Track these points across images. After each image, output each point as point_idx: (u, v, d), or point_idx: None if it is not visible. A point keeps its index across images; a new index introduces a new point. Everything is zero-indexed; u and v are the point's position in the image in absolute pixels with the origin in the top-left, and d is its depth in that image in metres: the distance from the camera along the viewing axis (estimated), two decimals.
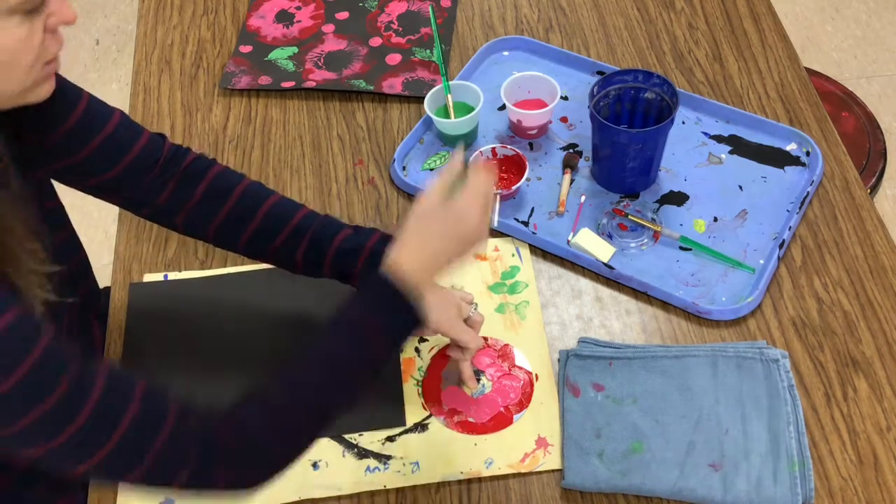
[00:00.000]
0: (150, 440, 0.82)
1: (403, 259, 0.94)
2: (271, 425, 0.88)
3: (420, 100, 1.45)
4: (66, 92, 1.00)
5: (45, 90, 0.90)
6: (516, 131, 1.41)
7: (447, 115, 1.40)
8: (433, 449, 1.10)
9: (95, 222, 2.32)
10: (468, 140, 1.40)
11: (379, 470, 1.08)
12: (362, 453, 1.10)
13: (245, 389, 0.90)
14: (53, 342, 0.78)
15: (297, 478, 1.08)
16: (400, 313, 0.93)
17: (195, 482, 0.85)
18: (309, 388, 0.90)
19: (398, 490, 1.07)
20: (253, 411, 0.88)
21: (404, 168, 1.38)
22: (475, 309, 1.11)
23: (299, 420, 0.90)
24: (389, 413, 1.13)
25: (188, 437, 0.84)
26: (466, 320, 1.09)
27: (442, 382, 1.15)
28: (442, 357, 1.17)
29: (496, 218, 1.26)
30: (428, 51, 1.54)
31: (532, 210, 1.32)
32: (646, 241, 1.27)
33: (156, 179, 1.09)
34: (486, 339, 1.19)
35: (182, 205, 1.10)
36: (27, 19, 0.81)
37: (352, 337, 0.92)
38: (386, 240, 1.07)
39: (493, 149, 1.34)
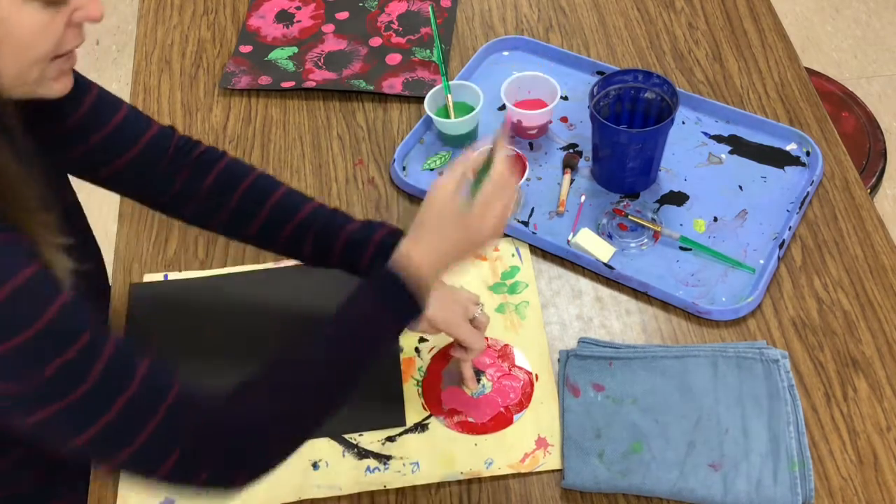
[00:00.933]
0: (144, 420, 0.81)
1: (414, 255, 0.94)
2: (270, 420, 0.87)
3: (420, 100, 1.45)
4: (76, 82, 1.00)
5: (61, 86, 0.89)
6: (516, 131, 1.41)
7: (447, 115, 1.40)
8: (433, 449, 1.10)
9: (95, 222, 2.31)
10: (468, 140, 1.40)
11: (379, 470, 1.08)
12: (362, 453, 1.10)
13: (244, 378, 0.89)
14: (71, 300, 0.78)
15: (297, 478, 1.08)
16: (406, 309, 0.94)
17: (178, 473, 0.83)
18: (311, 381, 0.90)
19: (398, 490, 1.07)
20: (253, 404, 0.87)
21: (404, 168, 1.38)
22: (481, 310, 1.11)
23: (299, 413, 0.90)
24: (389, 413, 1.13)
25: (182, 423, 0.83)
26: (472, 321, 1.09)
27: (442, 382, 1.15)
28: (442, 357, 1.17)
29: (519, 211, 1.23)
30: (428, 51, 1.54)
31: (532, 210, 1.32)
32: (646, 241, 1.27)
33: (166, 170, 1.09)
34: (486, 339, 1.19)
35: (191, 195, 1.10)
36: (48, 8, 0.80)
37: (357, 331, 0.93)
38: (395, 234, 1.07)
39: None
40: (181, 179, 1.09)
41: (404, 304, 0.93)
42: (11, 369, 0.75)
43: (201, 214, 1.12)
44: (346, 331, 0.93)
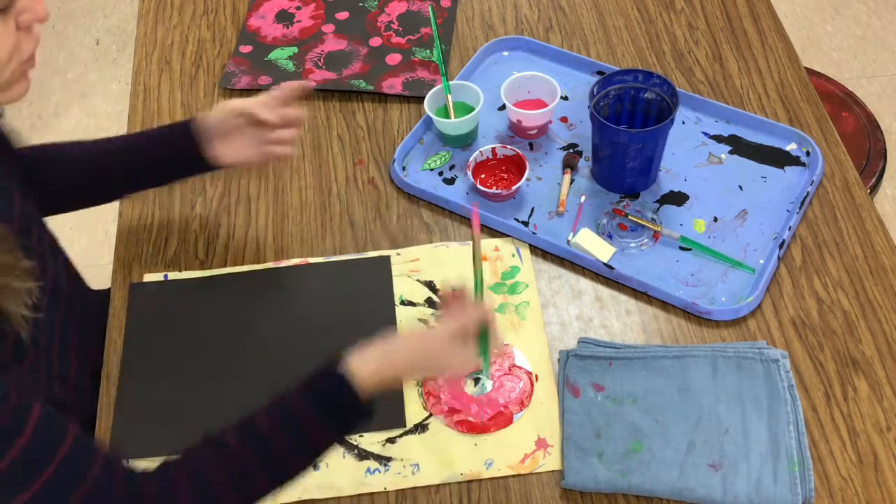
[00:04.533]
0: (75, 488, 0.82)
1: (364, 372, 0.93)
2: (199, 499, 0.88)
3: (420, 100, 1.45)
4: None
5: (20, 89, 0.90)
6: (516, 131, 1.41)
7: (447, 115, 1.40)
8: (433, 450, 1.10)
9: (95, 222, 2.32)
10: (468, 140, 1.40)
11: (379, 472, 1.08)
12: (363, 454, 1.10)
13: (177, 456, 0.90)
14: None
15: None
16: (349, 416, 0.94)
17: None
18: (241, 471, 0.91)
19: (398, 492, 1.07)
20: (183, 483, 0.88)
21: (404, 168, 1.38)
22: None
23: (226, 498, 0.90)
24: (389, 414, 1.13)
25: (112, 493, 0.85)
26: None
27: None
28: None
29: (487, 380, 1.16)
30: (428, 51, 1.54)
31: (532, 210, 1.32)
32: (646, 241, 1.27)
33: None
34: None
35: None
36: None
37: (295, 434, 0.92)
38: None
39: (493, 149, 1.34)
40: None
41: (348, 409, 0.94)
42: None
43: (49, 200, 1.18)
44: (284, 429, 0.92)
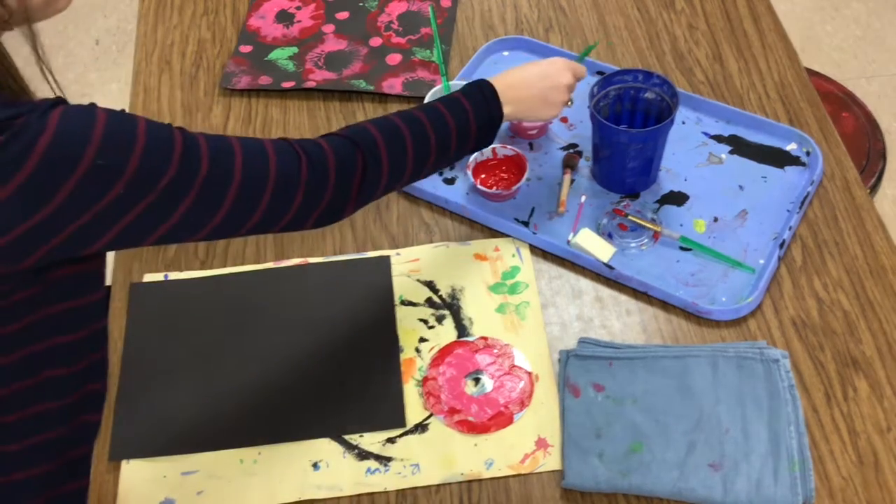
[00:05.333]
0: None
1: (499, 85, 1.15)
2: (372, 161, 1.02)
3: (420, 100, 1.45)
4: None
5: (61, 4, 0.92)
6: (516, 131, 1.41)
7: None
8: (434, 450, 1.10)
9: None
10: None
11: (380, 472, 1.08)
12: (363, 454, 1.10)
13: (341, 132, 1.03)
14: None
15: (297, 478, 1.08)
16: (489, 104, 1.14)
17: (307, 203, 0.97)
18: (420, 135, 1.07)
19: (398, 492, 1.07)
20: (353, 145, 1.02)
21: None
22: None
23: (409, 158, 1.06)
24: (390, 414, 1.13)
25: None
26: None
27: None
28: (442, 357, 1.18)
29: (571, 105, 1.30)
30: (428, 51, 1.54)
31: (532, 210, 1.32)
32: (646, 241, 1.27)
33: None
34: (486, 338, 1.19)
35: None
36: None
37: (446, 110, 1.10)
38: None
39: (493, 149, 1.34)
40: None
41: (490, 99, 1.14)
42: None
43: None
44: (438, 109, 1.10)
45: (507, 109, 1.16)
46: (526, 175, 1.31)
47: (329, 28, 1.60)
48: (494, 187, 1.33)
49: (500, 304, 1.22)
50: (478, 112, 1.12)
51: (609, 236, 1.28)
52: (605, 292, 1.24)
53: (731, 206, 1.31)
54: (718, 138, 1.39)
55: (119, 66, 2.76)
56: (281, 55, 1.55)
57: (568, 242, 1.27)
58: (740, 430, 1.07)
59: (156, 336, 1.21)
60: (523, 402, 1.13)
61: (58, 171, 0.79)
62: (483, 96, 1.13)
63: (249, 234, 0.96)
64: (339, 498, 1.07)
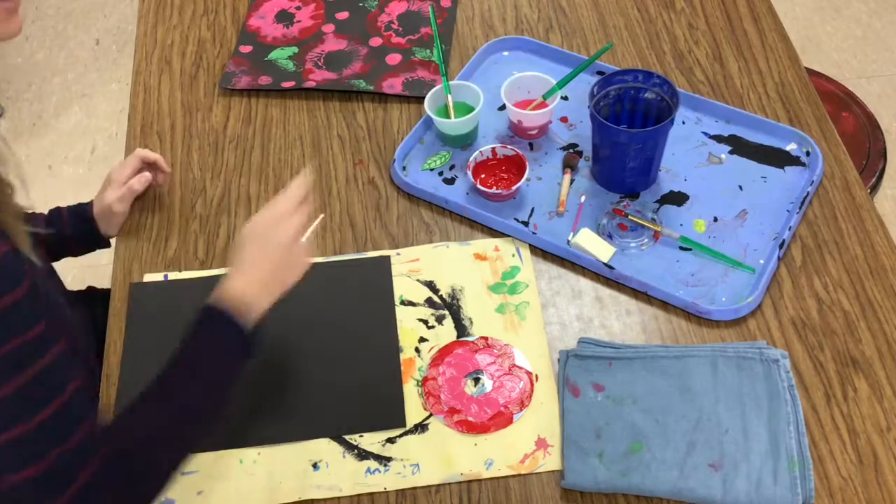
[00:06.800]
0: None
1: (233, 285, 1.00)
2: (131, 469, 0.89)
3: (420, 100, 1.45)
4: None
5: (11, 28, 0.91)
6: (516, 131, 1.41)
7: (447, 115, 1.40)
8: (433, 450, 1.10)
9: None
10: (468, 140, 1.40)
11: (379, 472, 1.08)
12: (363, 454, 1.10)
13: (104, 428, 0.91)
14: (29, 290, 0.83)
15: (297, 478, 1.08)
16: (235, 342, 0.99)
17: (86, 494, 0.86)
18: (162, 433, 0.93)
19: (398, 491, 1.07)
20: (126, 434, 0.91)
21: (404, 168, 1.38)
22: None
23: (159, 459, 0.92)
24: (390, 414, 1.13)
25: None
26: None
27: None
28: (442, 357, 1.18)
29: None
30: (428, 51, 1.54)
31: (532, 210, 1.32)
32: (646, 241, 1.27)
33: None
34: (486, 339, 1.19)
35: None
36: None
37: (194, 377, 0.97)
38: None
39: (493, 149, 1.34)
40: None
41: (232, 335, 0.98)
42: None
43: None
44: (187, 378, 0.97)
45: (257, 307, 1.01)
46: (526, 175, 1.31)
47: (329, 28, 1.60)
48: (494, 187, 1.33)
49: (500, 304, 1.22)
50: (228, 348, 0.99)
51: (609, 236, 1.28)
52: (605, 292, 1.24)
53: (731, 206, 1.31)
54: (718, 138, 1.39)
55: (119, 66, 2.76)
56: (281, 55, 1.55)
57: (568, 242, 1.27)
58: (740, 430, 1.07)
59: (156, 336, 1.21)
60: (523, 402, 1.13)
61: None
62: (220, 331, 0.99)
63: None
64: (339, 498, 1.07)
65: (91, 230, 1.31)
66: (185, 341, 0.98)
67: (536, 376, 1.15)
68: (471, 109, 1.39)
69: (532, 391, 1.14)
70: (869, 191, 1.66)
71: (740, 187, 1.33)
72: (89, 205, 1.32)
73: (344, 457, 1.10)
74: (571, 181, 1.34)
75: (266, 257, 1.02)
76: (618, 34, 1.55)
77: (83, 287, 1.47)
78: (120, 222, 1.32)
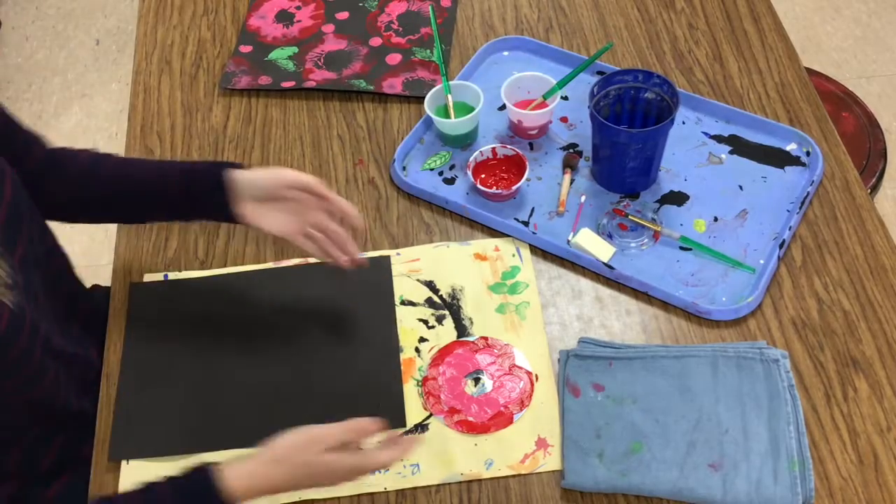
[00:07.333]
0: None
1: (239, 489, 0.92)
2: None
3: (420, 100, 1.45)
4: None
5: None
6: (516, 131, 1.41)
7: (447, 115, 1.40)
8: (433, 450, 1.10)
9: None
10: (468, 140, 1.40)
11: (379, 472, 1.08)
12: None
13: None
14: None
15: None
16: None
17: None
18: None
19: (398, 491, 1.07)
20: None
21: (404, 168, 1.38)
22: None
23: None
24: (390, 414, 1.12)
25: None
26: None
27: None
28: (442, 357, 1.18)
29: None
30: (428, 51, 1.54)
31: (532, 210, 1.32)
32: (646, 241, 1.27)
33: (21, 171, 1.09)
34: (486, 339, 1.19)
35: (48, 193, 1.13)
36: None
37: None
38: (213, 162, 1.15)
39: (493, 149, 1.34)
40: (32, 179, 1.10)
41: None
42: None
43: (67, 209, 1.17)
44: None
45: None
46: (526, 175, 1.31)
47: (329, 28, 1.60)
48: (494, 187, 1.33)
49: (500, 304, 1.22)
50: None
51: (609, 236, 1.28)
52: (605, 292, 1.24)
53: (731, 206, 1.31)
54: (718, 138, 1.39)
55: (119, 66, 2.76)
56: (281, 55, 1.55)
57: (568, 242, 1.27)
58: (740, 429, 1.07)
59: (156, 336, 1.21)
60: (523, 402, 1.13)
61: None
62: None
63: None
64: (339, 498, 1.07)
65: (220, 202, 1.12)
66: (154, 485, 0.93)
67: (536, 376, 1.15)
68: (471, 109, 1.39)
69: (532, 391, 1.14)
70: (869, 191, 1.66)
71: (740, 187, 1.33)
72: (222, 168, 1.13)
73: None
74: (571, 181, 1.34)
75: (291, 483, 0.95)
76: (618, 34, 1.55)
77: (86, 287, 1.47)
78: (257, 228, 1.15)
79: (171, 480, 0.93)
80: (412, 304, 1.23)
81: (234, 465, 0.94)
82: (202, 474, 0.92)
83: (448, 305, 1.22)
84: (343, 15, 1.62)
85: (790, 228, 1.26)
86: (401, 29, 1.58)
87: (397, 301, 1.23)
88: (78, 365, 1.15)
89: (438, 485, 1.08)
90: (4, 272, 0.91)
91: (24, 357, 1.00)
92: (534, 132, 1.40)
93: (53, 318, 1.10)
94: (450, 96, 1.40)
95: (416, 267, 1.27)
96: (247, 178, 1.11)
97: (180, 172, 1.15)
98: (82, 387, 1.15)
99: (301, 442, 0.95)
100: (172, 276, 1.27)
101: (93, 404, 1.16)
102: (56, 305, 1.12)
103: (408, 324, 1.21)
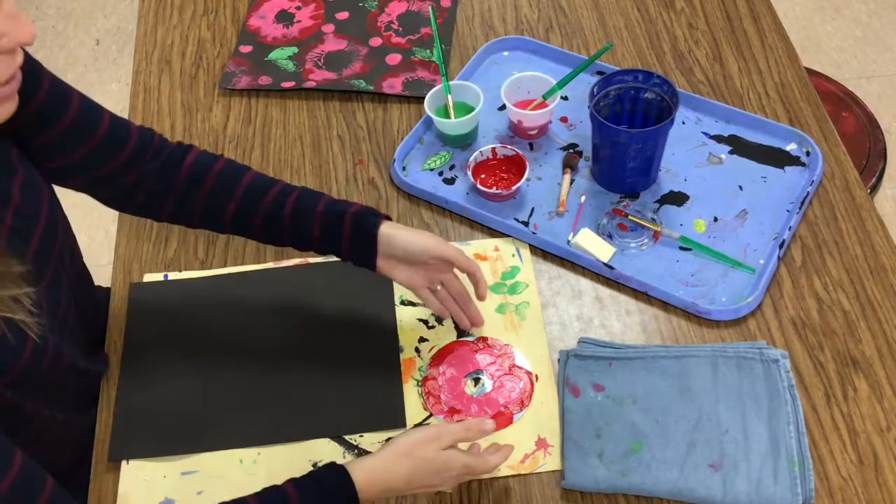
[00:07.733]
0: None
1: (364, 484, 0.94)
2: None
3: (420, 100, 1.45)
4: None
5: (6, 111, 0.89)
6: (516, 131, 1.41)
7: (447, 115, 1.40)
8: None
9: (95, 222, 2.32)
10: (468, 140, 1.40)
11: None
12: (363, 454, 1.10)
13: None
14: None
15: None
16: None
17: None
18: None
19: None
20: None
21: (404, 168, 1.38)
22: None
23: None
24: (390, 414, 1.13)
25: None
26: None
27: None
28: (442, 357, 1.17)
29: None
30: (428, 51, 1.54)
31: (532, 210, 1.32)
32: (646, 241, 1.27)
33: (129, 167, 1.09)
34: (486, 339, 1.19)
35: (165, 193, 1.11)
36: None
37: None
38: (364, 210, 1.10)
39: (493, 149, 1.34)
40: (151, 179, 1.10)
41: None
42: None
43: (177, 211, 1.13)
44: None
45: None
46: (526, 175, 1.31)
47: (329, 28, 1.60)
48: (494, 187, 1.33)
49: (500, 304, 1.22)
50: None
51: (609, 236, 1.28)
52: (605, 292, 1.24)
53: (731, 206, 1.31)
54: (718, 138, 1.39)
55: (119, 66, 2.76)
56: (281, 55, 1.55)
57: (568, 242, 1.27)
58: (740, 429, 1.07)
59: (156, 336, 1.21)
60: (523, 403, 1.13)
61: None
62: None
63: None
64: None
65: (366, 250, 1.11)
66: (289, 481, 0.96)
67: (536, 376, 1.15)
68: (471, 109, 1.39)
69: (532, 391, 1.14)
70: (869, 191, 1.66)
71: (740, 187, 1.33)
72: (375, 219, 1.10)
73: (344, 457, 1.10)
74: (571, 181, 1.34)
75: (409, 479, 0.97)
76: (618, 34, 1.55)
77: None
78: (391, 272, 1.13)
79: (302, 479, 0.95)
80: (412, 304, 1.23)
81: (356, 461, 0.97)
82: (333, 470, 0.95)
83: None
84: (343, 15, 1.62)
85: (790, 228, 1.26)
86: (401, 29, 1.58)
87: (397, 301, 1.23)
88: (96, 378, 1.16)
89: None
90: (29, 300, 0.91)
91: (46, 380, 1.00)
92: (534, 132, 1.40)
93: (80, 339, 1.11)
94: (450, 96, 1.40)
95: None
96: (398, 241, 1.10)
97: (335, 216, 1.10)
98: (94, 398, 1.16)
99: (424, 437, 0.98)
100: (172, 276, 1.27)
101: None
102: (82, 325, 1.12)
103: (408, 324, 1.21)
